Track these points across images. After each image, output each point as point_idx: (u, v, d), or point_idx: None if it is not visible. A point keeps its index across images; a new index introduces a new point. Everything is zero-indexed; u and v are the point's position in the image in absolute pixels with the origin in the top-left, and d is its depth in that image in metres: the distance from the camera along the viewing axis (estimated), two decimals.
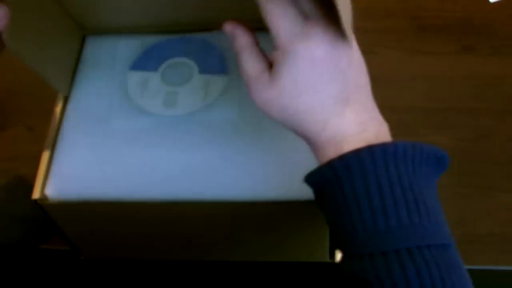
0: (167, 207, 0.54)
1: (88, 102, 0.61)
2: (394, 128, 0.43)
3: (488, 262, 0.64)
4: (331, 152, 0.40)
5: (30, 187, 0.55)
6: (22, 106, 0.78)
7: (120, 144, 0.57)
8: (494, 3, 0.83)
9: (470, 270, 0.40)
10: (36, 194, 0.55)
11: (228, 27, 0.43)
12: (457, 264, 0.38)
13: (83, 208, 0.55)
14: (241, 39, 0.42)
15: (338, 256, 0.63)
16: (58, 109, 0.60)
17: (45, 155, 0.57)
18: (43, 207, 0.55)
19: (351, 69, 0.39)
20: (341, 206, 0.38)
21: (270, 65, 0.41)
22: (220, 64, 0.61)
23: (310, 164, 0.53)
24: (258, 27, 0.41)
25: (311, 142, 0.42)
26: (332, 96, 0.39)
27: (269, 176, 0.54)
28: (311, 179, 0.42)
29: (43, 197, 0.55)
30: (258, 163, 0.55)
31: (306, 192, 0.52)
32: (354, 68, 0.40)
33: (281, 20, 0.39)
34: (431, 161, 0.39)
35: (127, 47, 0.64)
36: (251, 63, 0.42)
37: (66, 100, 0.61)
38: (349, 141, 0.39)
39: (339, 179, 0.38)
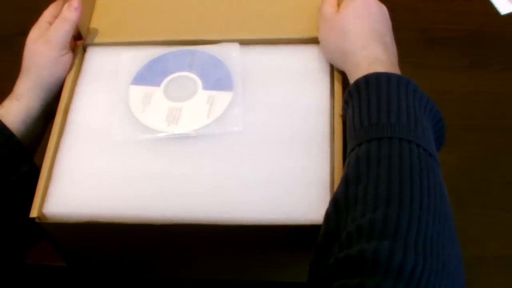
0: (168, 229, 0.52)
1: (89, 116, 0.60)
2: None
3: (496, 286, 0.62)
4: (364, 69, 0.52)
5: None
6: None
7: (121, 161, 0.56)
8: (506, 15, 0.81)
9: None
10: (34, 213, 0.53)
11: None
12: (439, 179, 0.46)
13: (83, 228, 0.54)
14: None
15: None
16: (58, 121, 0.59)
17: (44, 172, 0.55)
18: (41, 225, 0.54)
19: (380, 18, 0.57)
20: (355, 108, 0.50)
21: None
22: (225, 79, 0.59)
23: (316, 184, 0.53)
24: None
25: (350, 59, 0.55)
26: (371, 29, 0.56)
27: (273, 197, 0.53)
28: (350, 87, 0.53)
29: (41, 216, 0.53)
30: (262, 184, 0.53)
31: (310, 215, 0.51)
32: (383, 19, 0.58)
33: None
34: (432, 116, 0.51)
35: (130, 59, 0.63)
36: (331, 6, 0.60)
37: (66, 112, 0.60)
38: (378, 64, 0.52)
39: (359, 87, 0.51)
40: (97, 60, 0.64)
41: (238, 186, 0.53)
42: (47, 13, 0.63)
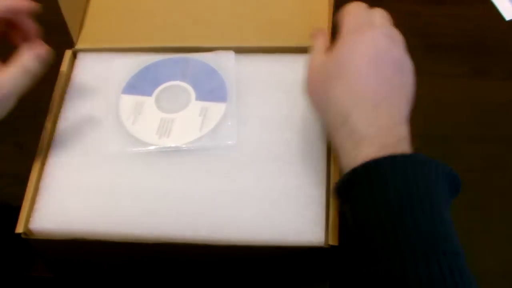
0: (157, 247, 0.51)
1: (78, 126, 0.58)
2: None
3: None
4: (349, 156, 0.43)
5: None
6: (11, 121, 0.74)
7: (110, 175, 0.54)
8: (510, 21, 0.79)
9: None
10: (20, 228, 0.51)
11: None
12: (468, 272, 0.40)
13: (70, 244, 0.52)
14: (318, 35, 0.52)
15: None
16: (46, 131, 0.57)
17: (31, 186, 0.54)
18: (28, 241, 0.52)
19: (389, 63, 0.46)
20: (358, 210, 0.41)
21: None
22: (219, 90, 0.58)
23: (311, 203, 0.51)
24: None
25: (333, 136, 0.46)
26: (364, 88, 0.44)
27: (266, 216, 0.51)
28: (337, 185, 0.44)
29: (28, 231, 0.52)
30: (255, 202, 0.51)
31: (304, 236, 0.50)
32: (393, 63, 0.46)
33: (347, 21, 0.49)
34: (444, 178, 0.42)
35: (121, 66, 0.61)
36: (319, 53, 0.50)
37: (55, 122, 0.58)
38: (364, 146, 0.42)
39: (358, 185, 0.41)
40: (88, 66, 0.62)
41: (230, 204, 0.52)
42: None
